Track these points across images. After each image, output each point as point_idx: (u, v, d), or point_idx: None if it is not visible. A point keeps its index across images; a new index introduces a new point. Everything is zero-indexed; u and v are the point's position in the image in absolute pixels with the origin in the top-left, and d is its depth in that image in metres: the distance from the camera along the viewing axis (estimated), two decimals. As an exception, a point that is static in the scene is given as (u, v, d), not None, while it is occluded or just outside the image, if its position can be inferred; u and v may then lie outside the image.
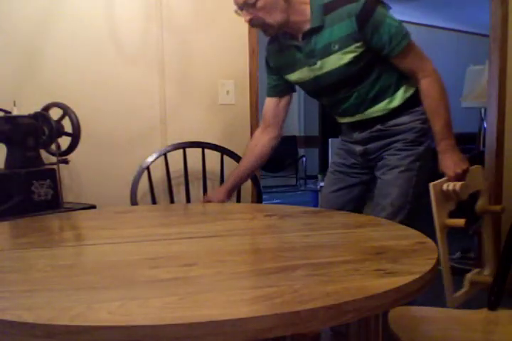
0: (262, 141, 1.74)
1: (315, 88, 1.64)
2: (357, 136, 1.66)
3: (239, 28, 2.30)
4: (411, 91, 1.57)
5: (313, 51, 1.53)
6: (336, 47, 1.49)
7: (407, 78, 1.56)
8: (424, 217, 1.49)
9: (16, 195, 1.69)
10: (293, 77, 1.64)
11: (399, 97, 1.56)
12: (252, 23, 1.51)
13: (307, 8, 1.51)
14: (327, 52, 1.51)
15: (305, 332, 0.61)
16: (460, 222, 1.27)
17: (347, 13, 1.45)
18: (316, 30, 1.50)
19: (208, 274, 0.75)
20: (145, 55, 2.24)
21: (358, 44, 1.47)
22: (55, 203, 1.78)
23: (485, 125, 2.53)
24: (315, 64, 1.54)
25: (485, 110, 2.80)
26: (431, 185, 1.32)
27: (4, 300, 0.65)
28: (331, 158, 1.90)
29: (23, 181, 1.70)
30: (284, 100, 1.73)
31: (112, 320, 0.57)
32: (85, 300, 0.64)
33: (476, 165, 1.51)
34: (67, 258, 0.87)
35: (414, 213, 1.57)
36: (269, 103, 1.74)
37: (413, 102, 1.57)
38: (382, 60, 1.52)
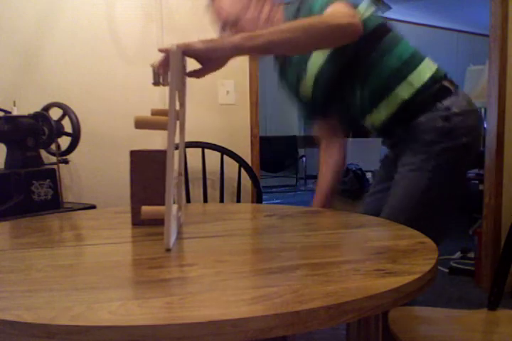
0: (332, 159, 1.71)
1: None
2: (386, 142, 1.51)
3: (239, 28, 2.31)
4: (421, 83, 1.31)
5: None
6: None
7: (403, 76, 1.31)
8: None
9: (16, 195, 1.69)
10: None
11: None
12: None
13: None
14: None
15: (305, 331, 0.61)
16: None
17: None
18: None
19: (208, 274, 0.75)
20: (145, 55, 2.24)
21: None
22: (55, 203, 1.78)
23: (485, 125, 2.53)
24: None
25: (485, 110, 2.81)
26: None
27: (4, 300, 0.65)
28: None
29: (23, 181, 1.70)
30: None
31: (112, 320, 0.57)
32: (85, 300, 0.64)
33: None
34: (67, 258, 0.87)
35: (424, 224, 1.10)
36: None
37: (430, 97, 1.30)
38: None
